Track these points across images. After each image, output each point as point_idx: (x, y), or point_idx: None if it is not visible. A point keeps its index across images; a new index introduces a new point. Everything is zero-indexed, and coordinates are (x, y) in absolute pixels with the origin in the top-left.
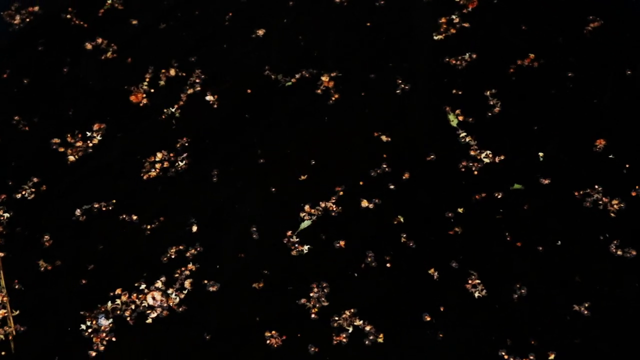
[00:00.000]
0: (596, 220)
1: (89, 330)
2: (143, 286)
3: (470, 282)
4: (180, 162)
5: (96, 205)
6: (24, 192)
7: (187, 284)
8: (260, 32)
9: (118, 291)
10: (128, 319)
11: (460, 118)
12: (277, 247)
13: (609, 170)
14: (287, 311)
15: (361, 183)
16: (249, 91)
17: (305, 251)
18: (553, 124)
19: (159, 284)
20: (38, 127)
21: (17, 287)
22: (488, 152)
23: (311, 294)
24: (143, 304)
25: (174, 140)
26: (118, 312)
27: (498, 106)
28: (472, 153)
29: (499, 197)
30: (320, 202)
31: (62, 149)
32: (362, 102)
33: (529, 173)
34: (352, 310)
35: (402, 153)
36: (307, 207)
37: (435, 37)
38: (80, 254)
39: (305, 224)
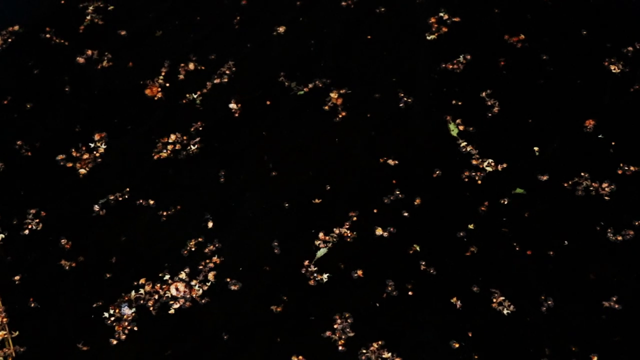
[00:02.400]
0: (593, 208)
1: (112, 319)
2: (167, 277)
3: (495, 300)
4: (192, 147)
5: (112, 197)
6: (30, 226)
7: (210, 276)
8: (276, 32)
9: (142, 281)
10: (151, 308)
11: (461, 128)
12: (296, 276)
13: (598, 151)
14: (313, 344)
15: (375, 211)
16: (268, 102)
17: (325, 279)
18: (548, 118)
19: (182, 275)
20: (41, 149)
21: (32, 305)
22: (490, 160)
23: (335, 326)
24: (166, 295)
25: (189, 124)
26: (141, 301)
27: (496, 106)
28: (474, 162)
29: (504, 203)
30: (335, 229)
31: (70, 164)
32: (368, 122)
33: (527, 172)
34: (379, 343)
35: (410, 175)
36: (321, 235)
37: (428, 38)
38: (103, 247)
39: (321, 252)
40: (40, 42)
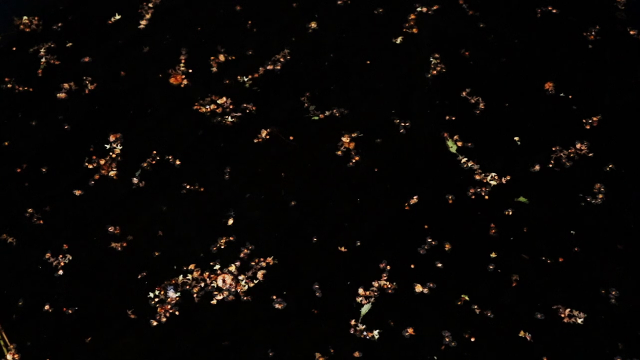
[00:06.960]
0: (586, 174)
1: (156, 300)
2: (217, 267)
3: (563, 315)
4: (229, 118)
5: (144, 165)
6: (60, 264)
7: (259, 275)
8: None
9: (191, 266)
10: (195, 295)
11: (459, 144)
12: (345, 335)
13: (563, 113)
14: None
15: (412, 266)
16: (291, 137)
17: (376, 336)
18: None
19: (232, 268)
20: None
21: (69, 312)
22: (493, 174)
23: None
24: (212, 284)
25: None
26: (187, 287)
27: (481, 102)
28: (477, 177)
29: (510, 216)
30: (373, 282)
31: (97, 177)
32: (380, 168)
33: (524, 170)
34: None
35: (433, 210)
36: (361, 291)
37: (396, 41)
38: (149, 222)
39: (366, 309)
40: (4, 94)
